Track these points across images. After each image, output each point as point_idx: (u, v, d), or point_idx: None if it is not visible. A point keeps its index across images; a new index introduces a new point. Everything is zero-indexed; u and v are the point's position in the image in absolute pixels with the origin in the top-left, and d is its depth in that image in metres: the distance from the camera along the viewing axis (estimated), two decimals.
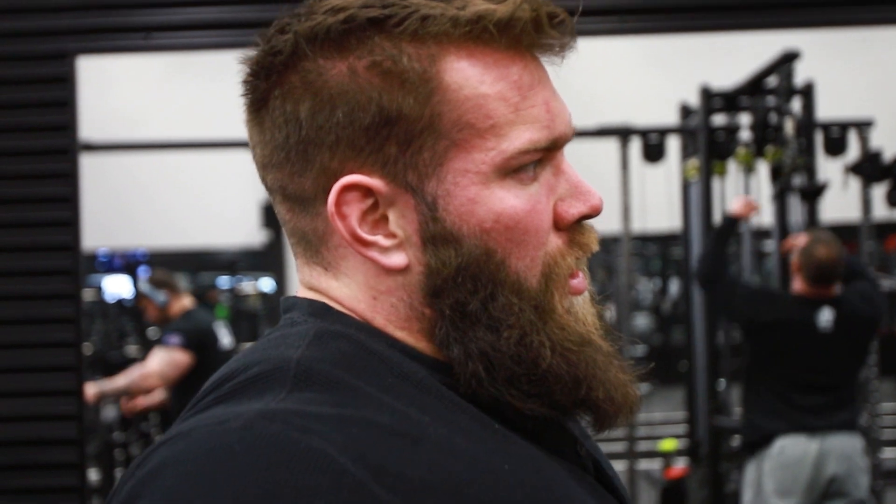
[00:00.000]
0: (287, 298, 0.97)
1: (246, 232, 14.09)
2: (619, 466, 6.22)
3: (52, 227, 3.23)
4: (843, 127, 5.80)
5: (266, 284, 15.90)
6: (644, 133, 6.02)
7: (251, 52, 0.91)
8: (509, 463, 0.83)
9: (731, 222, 4.86)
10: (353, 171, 0.87)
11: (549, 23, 0.87)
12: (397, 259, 0.88)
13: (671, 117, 6.49)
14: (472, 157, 0.86)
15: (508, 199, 0.86)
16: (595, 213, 0.91)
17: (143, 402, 5.63)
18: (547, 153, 0.89)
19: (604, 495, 0.94)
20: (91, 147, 4.83)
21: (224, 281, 16.04)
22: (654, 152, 5.98)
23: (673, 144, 6.30)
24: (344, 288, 0.91)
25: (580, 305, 0.92)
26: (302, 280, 0.95)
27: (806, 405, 4.47)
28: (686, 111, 6.34)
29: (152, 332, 13.78)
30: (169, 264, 16.57)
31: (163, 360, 5.48)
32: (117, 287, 16.13)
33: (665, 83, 7.41)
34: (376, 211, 0.88)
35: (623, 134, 5.99)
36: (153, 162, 13.41)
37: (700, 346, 5.88)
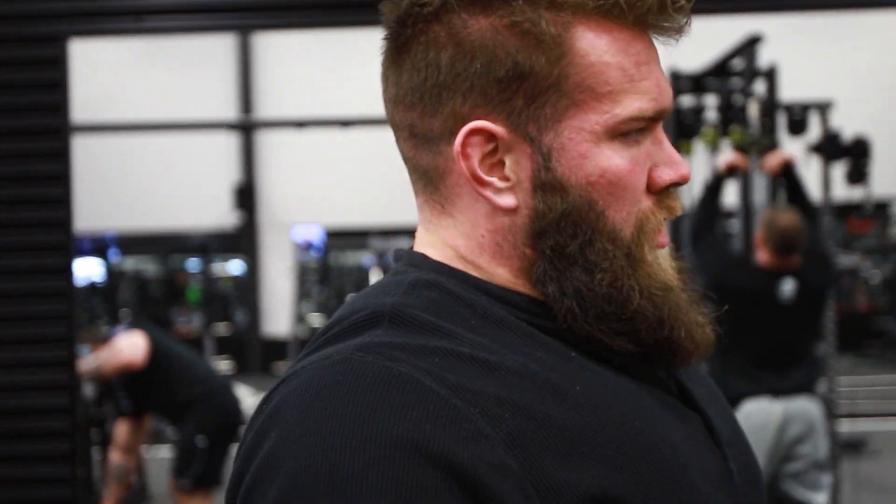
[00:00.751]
0: (398, 250, 1.08)
1: (217, 214, 14.14)
2: None
3: (46, 203, 3.33)
4: (805, 108, 5.96)
5: (237, 267, 15.93)
6: None
7: (397, 2, 1.00)
8: (581, 385, 0.93)
9: (717, 178, 5.11)
10: (480, 117, 0.96)
11: (672, 6, 0.96)
12: (508, 200, 0.98)
13: None
14: (588, 117, 0.95)
15: (614, 159, 0.96)
16: (683, 181, 1.01)
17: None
18: (651, 123, 0.98)
19: (685, 413, 1.03)
20: (79, 128, 4.92)
21: (195, 263, 16.05)
22: None
23: None
24: (458, 226, 1.02)
25: (663, 258, 1.01)
26: (421, 218, 1.06)
27: (769, 370, 4.70)
28: None
29: (124, 312, 13.85)
30: (139, 247, 16.59)
31: (126, 342, 5.61)
32: (87, 269, 16.11)
33: None
34: (495, 155, 0.97)
35: None
36: (122, 144, 13.42)
37: None
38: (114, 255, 16.55)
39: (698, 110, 5.99)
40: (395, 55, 1.00)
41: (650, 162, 0.99)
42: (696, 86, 5.96)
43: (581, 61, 0.95)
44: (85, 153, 11.75)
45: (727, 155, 5.20)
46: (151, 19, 3.27)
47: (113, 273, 15.79)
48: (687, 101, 6.05)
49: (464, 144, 0.97)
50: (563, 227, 0.96)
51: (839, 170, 5.80)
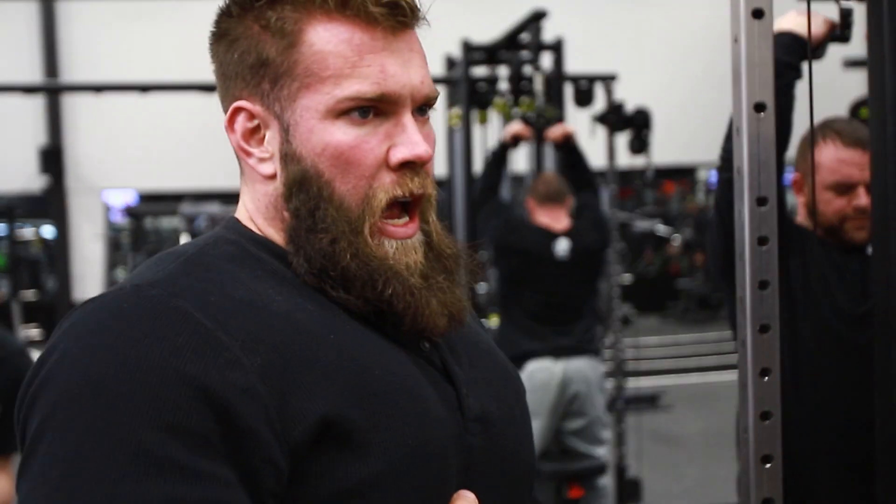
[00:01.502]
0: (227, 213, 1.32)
1: (24, 178, 13.75)
2: None
3: None
4: (591, 80, 6.22)
5: (47, 232, 15.51)
6: None
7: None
8: (335, 334, 1.08)
9: (501, 147, 5.39)
10: (245, 98, 1.15)
11: (376, 2, 1.11)
12: (266, 168, 1.16)
13: (437, 68, 6.84)
14: (314, 97, 1.11)
15: (337, 134, 1.11)
16: (417, 159, 1.14)
17: None
18: (384, 105, 1.12)
19: (440, 383, 1.16)
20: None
21: (0, 228, 15.58)
22: None
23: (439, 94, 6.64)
24: (248, 192, 1.21)
25: (394, 248, 1.15)
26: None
27: (549, 326, 4.99)
28: (450, 63, 6.69)
29: None
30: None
31: None
32: None
33: (431, 35, 7.72)
34: (259, 132, 1.16)
35: None
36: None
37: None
38: None
39: (491, 81, 6.20)
40: (211, 56, 1.21)
41: (388, 142, 1.14)
42: (488, 57, 6.17)
43: (307, 50, 1.11)
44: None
45: (513, 125, 5.44)
46: None
47: None
48: (480, 72, 6.27)
49: (230, 121, 1.17)
50: (297, 193, 1.13)
51: (623, 139, 6.10)
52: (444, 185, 7.04)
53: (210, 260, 1.12)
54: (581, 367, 4.98)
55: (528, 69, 5.87)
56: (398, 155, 1.13)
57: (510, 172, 6.67)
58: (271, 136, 1.15)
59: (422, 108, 1.18)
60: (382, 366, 1.09)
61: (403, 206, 1.17)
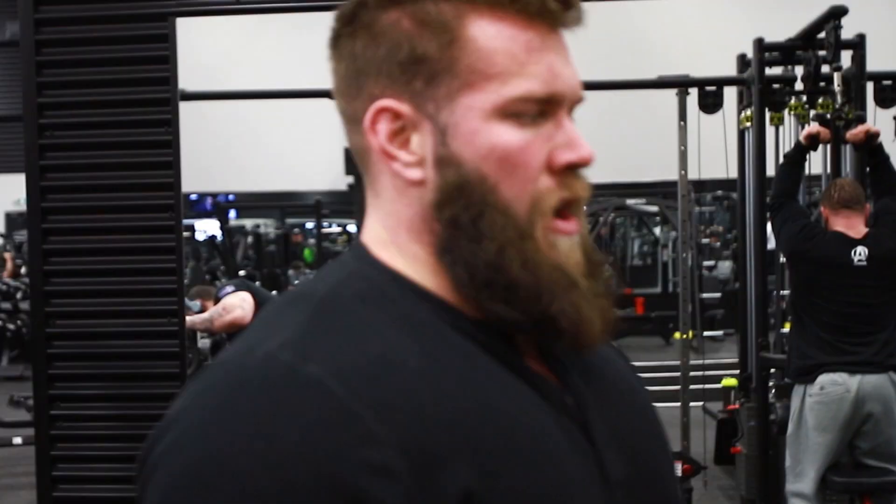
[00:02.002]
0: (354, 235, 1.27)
1: (331, 177, 14.47)
2: (675, 404, 6.60)
3: (156, 168, 3.64)
4: (895, 79, 5.97)
5: (353, 228, 16.22)
6: (701, 84, 6.30)
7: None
8: (476, 389, 0.98)
9: (798, 149, 5.19)
10: (389, 97, 1.05)
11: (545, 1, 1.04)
12: (413, 173, 1.05)
13: (730, 69, 6.73)
14: (478, 96, 1.03)
15: (504, 136, 1.02)
16: (582, 162, 1.06)
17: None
18: (548, 106, 1.04)
19: (578, 442, 1.05)
20: (187, 96, 5.23)
21: (310, 224, 16.40)
22: (710, 103, 6.25)
23: (731, 95, 6.55)
24: (383, 204, 1.09)
25: (565, 245, 1.05)
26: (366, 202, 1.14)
27: (844, 339, 4.77)
28: (743, 63, 6.55)
29: (241, 270, 14.31)
30: (256, 208, 17.06)
31: (237, 298, 5.98)
32: (207, 228, 16.66)
33: (723, 36, 7.62)
34: (404, 133, 1.05)
35: (681, 85, 6.29)
36: (242, 110, 13.84)
37: (752, 289, 6.15)
38: (233, 216, 17.11)
39: (786, 81, 6.05)
40: (331, 51, 1.11)
41: (550, 144, 1.05)
42: (783, 57, 6.01)
43: (470, 46, 1.03)
44: (205, 119, 12.21)
45: (811, 126, 5.27)
46: (250, 0, 3.56)
47: (232, 232, 16.34)
48: (775, 72, 6.13)
49: (372, 121, 1.05)
50: (457, 199, 1.03)
51: None
52: (736, 188, 6.93)
53: (343, 303, 1.02)
54: (879, 384, 4.75)
55: (825, 68, 5.69)
56: (565, 157, 1.05)
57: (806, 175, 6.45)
58: (420, 139, 1.05)
59: (572, 111, 1.10)
60: (528, 427, 1.00)
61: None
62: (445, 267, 1.05)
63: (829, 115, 5.31)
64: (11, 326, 13.99)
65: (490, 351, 1.03)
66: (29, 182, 3.68)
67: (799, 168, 5.24)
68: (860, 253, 4.78)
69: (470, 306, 1.05)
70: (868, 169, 5.19)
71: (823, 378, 4.76)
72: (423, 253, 1.07)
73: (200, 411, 0.93)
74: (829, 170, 5.87)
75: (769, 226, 5.44)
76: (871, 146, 5.04)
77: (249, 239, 16.25)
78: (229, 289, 6.12)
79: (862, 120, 5.34)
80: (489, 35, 1.04)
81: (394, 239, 1.08)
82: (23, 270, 15.31)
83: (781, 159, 5.48)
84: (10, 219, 19.67)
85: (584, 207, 1.11)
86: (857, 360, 4.75)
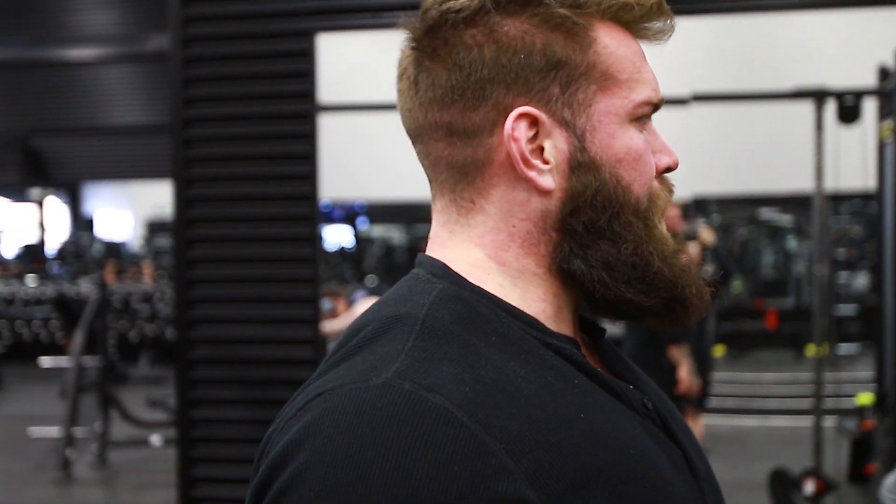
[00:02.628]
0: (420, 255, 1.14)
1: None
2: (808, 422, 6.47)
3: (296, 179, 3.73)
4: None
5: None
6: (839, 95, 6.19)
7: (427, 12, 1.08)
8: (585, 412, 0.97)
9: None
10: (522, 105, 1.04)
11: (662, 10, 1.09)
12: (548, 182, 1.04)
13: (869, 79, 6.59)
14: (613, 101, 1.05)
15: (635, 138, 1.06)
16: (675, 166, 1.11)
17: None
18: (652, 111, 1.09)
19: (667, 445, 1.07)
20: (324, 109, 5.35)
21: None
22: (849, 114, 6.13)
23: (869, 106, 6.42)
24: (489, 220, 1.07)
25: (671, 235, 1.11)
26: (443, 221, 1.11)
27: None
28: (884, 73, 6.42)
29: (370, 277, 14.46)
30: (385, 216, 17.24)
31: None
32: (338, 236, 16.91)
33: (863, 46, 7.46)
34: (535, 141, 1.04)
35: (818, 96, 6.18)
36: (373, 122, 14.04)
37: (890, 302, 6.02)
38: (363, 224, 17.35)
39: None
40: (430, 60, 1.06)
41: (650, 147, 1.09)
42: None
43: (604, 51, 1.05)
44: (340, 130, 12.42)
45: None
46: (388, 15, 3.62)
47: (361, 240, 16.57)
48: None
49: (512, 129, 1.03)
50: (595, 203, 1.04)
51: None
52: (874, 199, 6.78)
53: (444, 327, 0.99)
54: None
55: None
56: (665, 161, 1.11)
57: None
58: (553, 146, 1.05)
59: None
60: (633, 442, 1.00)
61: None
62: (575, 273, 1.06)
63: None
64: (150, 330, 14.42)
65: (575, 363, 1.04)
66: (175, 193, 3.81)
67: None
68: None
69: (549, 320, 1.07)
70: None
71: None
72: (533, 265, 1.08)
73: (323, 445, 0.89)
74: None
75: None
76: None
77: (377, 247, 16.48)
78: (362, 294, 6.23)
79: None
80: (616, 41, 1.06)
81: (498, 256, 1.07)
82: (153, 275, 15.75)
83: None
84: (150, 224, 20.27)
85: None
86: None
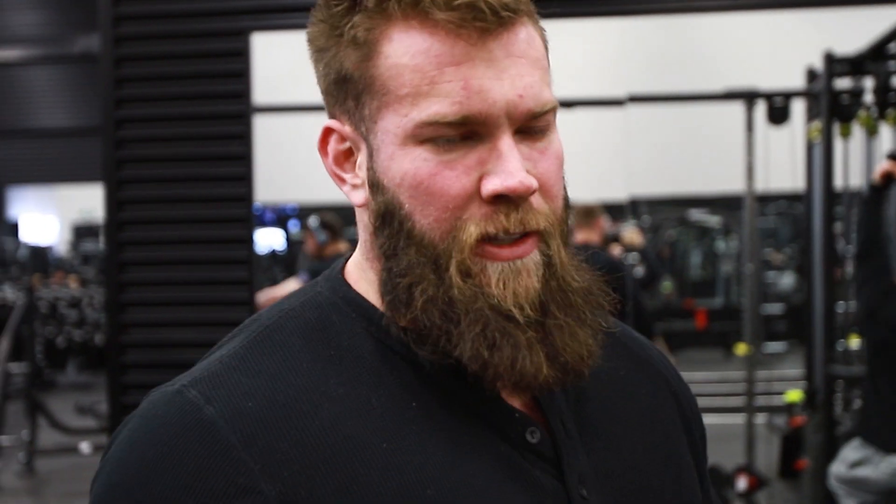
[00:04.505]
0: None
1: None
2: (739, 419, 6.56)
3: (230, 181, 3.68)
4: None
5: None
6: (769, 96, 6.27)
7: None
8: (392, 440, 0.91)
9: (873, 190, 4.82)
10: (336, 117, 1.00)
11: (446, 5, 0.91)
12: (358, 197, 1.00)
13: (798, 81, 6.70)
14: (393, 119, 0.93)
15: (417, 162, 0.92)
16: (511, 192, 0.92)
17: None
18: (477, 127, 0.92)
19: (537, 485, 0.96)
20: (260, 109, 5.29)
21: None
22: (778, 115, 6.22)
23: (798, 108, 6.52)
24: (358, 223, 1.04)
25: (499, 272, 0.94)
26: None
27: None
28: (812, 75, 6.50)
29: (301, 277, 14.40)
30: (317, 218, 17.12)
31: (290, 289, 5.94)
32: (269, 239, 16.78)
33: (792, 48, 7.58)
34: (352, 155, 1.00)
35: (749, 97, 6.26)
36: (303, 124, 13.97)
37: (818, 301, 6.11)
38: (294, 227, 17.23)
39: (855, 93, 6.00)
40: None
41: (480, 169, 0.93)
42: (852, 69, 5.97)
43: (384, 63, 0.93)
44: (269, 131, 12.31)
45: (883, 164, 5.05)
46: None
47: (293, 243, 16.46)
48: (845, 84, 6.08)
49: (323, 142, 1.01)
50: (382, 226, 0.97)
51: None
52: (803, 200, 6.89)
53: (281, 337, 0.98)
54: None
55: (894, 80, 5.65)
56: (489, 187, 0.92)
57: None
58: (361, 161, 0.98)
59: (532, 126, 0.95)
60: (442, 481, 0.91)
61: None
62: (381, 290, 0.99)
63: None
64: (78, 335, 14.22)
65: (435, 384, 0.95)
66: (106, 195, 3.75)
67: (877, 209, 4.83)
68: None
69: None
70: None
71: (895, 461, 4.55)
72: (375, 278, 1.01)
73: (119, 443, 0.95)
74: None
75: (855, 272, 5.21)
76: None
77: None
78: (303, 277, 6.19)
79: None
80: (401, 50, 0.93)
81: (364, 258, 1.04)
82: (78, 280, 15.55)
83: (863, 190, 5.25)
84: (76, 229, 19.99)
85: (565, 227, 0.99)
86: None
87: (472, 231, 0.93)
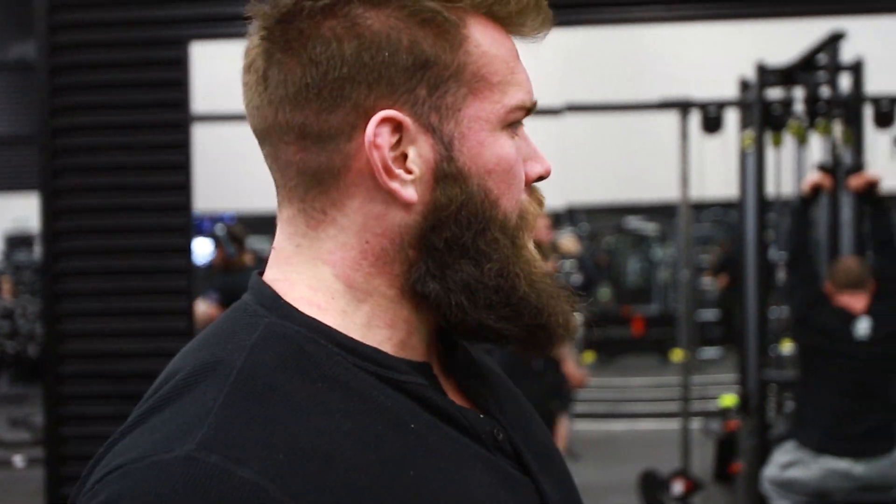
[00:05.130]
0: (253, 276, 1.02)
1: None
2: (675, 424, 6.65)
3: (169, 190, 3.69)
4: (892, 101, 6.05)
5: None
6: (703, 106, 6.39)
7: (275, 3, 0.95)
8: (415, 468, 0.88)
9: (802, 201, 5.09)
10: (385, 108, 0.92)
11: (535, 5, 0.99)
12: (411, 193, 0.93)
13: (731, 91, 6.82)
14: (484, 106, 0.94)
15: (507, 147, 0.96)
16: (547, 174, 1.01)
17: None
18: (524, 115, 0.99)
19: (515, 480, 0.99)
20: (199, 118, 5.29)
21: None
22: (712, 124, 6.34)
23: (732, 117, 6.64)
24: (341, 233, 0.96)
25: (539, 254, 1.02)
26: (289, 233, 0.99)
27: (852, 420, 4.72)
28: (745, 85, 6.63)
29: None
30: (255, 227, 17.06)
31: (201, 311, 5.67)
32: (205, 249, 16.65)
33: (726, 58, 7.70)
34: (398, 147, 0.93)
35: (683, 107, 6.37)
36: (242, 132, 13.94)
37: (752, 307, 6.21)
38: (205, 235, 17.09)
39: (786, 103, 6.13)
40: (282, 52, 0.93)
41: (521, 155, 1.00)
42: (783, 79, 6.10)
43: (476, 51, 0.95)
44: (208, 140, 12.25)
45: (812, 175, 5.20)
46: None
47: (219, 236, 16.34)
48: (775, 94, 6.21)
49: (374, 134, 0.92)
50: (460, 219, 0.95)
51: None
52: (737, 208, 7.00)
53: (264, 377, 0.88)
54: (884, 471, 4.75)
55: (824, 90, 5.78)
56: (537, 169, 1.00)
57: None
58: (417, 154, 0.94)
59: None
60: (468, 495, 0.91)
61: None
62: (430, 295, 0.96)
63: (828, 163, 5.35)
64: (11, 347, 14.01)
65: (418, 398, 0.94)
66: (42, 204, 3.72)
67: (806, 219, 5.15)
68: (863, 326, 4.76)
69: (396, 347, 0.97)
70: (868, 217, 5.14)
71: (828, 463, 4.76)
72: (385, 286, 0.97)
73: None
74: (828, 217, 5.91)
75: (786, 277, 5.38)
76: (871, 196, 4.97)
77: (252, 258, 16.31)
78: (213, 297, 5.92)
79: (860, 167, 5.32)
80: (489, 39, 0.96)
81: (347, 275, 0.96)
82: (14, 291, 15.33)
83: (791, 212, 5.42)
84: (9, 238, 19.70)
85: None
86: (863, 445, 4.73)
87: (533, 211, 1.01)
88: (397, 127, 0.92)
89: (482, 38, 0.95)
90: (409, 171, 0.93)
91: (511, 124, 0.97)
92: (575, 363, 5.93)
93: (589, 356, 13.43)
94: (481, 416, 1.00)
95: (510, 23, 0.98)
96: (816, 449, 4.77)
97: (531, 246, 1.00)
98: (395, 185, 0.92)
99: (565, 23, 3.65)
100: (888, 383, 4.89)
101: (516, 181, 0.97)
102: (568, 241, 9.45)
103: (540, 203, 1.02)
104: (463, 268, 0.95)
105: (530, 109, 0.99)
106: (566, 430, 7.65)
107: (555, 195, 11.29)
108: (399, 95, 0.92)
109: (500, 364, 1.25)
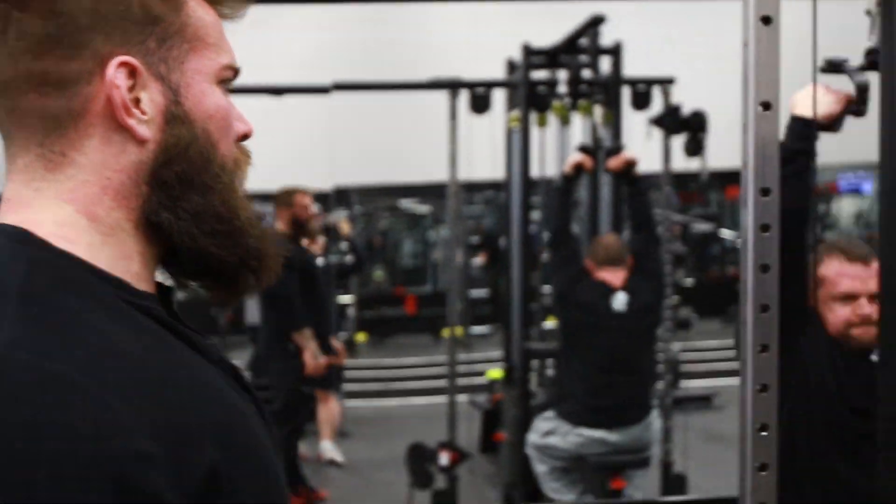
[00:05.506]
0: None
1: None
2: (445, 399, 6.80)
3: None
4: (649, 84, 6.36)
5: None
6: (472, 86, 6.53)
7: None
8: (186, 370, 1.00)
9: (565, 180, 5.33)
10: (121, 55, 1.02)
11: None
12: (145, 131, 1.04)
13: (498, 72, 6.96)
14: (203, 62, 1.09)
15: (222, 99, 1.11)
16: (250, 134, 1.17)
17: None
18: (232, 76, 1.14)
19: (243, 394, 1.10)
20: None
21: None
22: (480, 104, 6.47)
23: (500, 97, 6.80)
24: (81, 172, 1.03)
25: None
26: (24, 180, 1.05)
27: (610, 390, 5.01)
28: (512, 66, 6.79)
29: None
30: None
31: None
32: None
33: (495, 39, 7.85)
34: (132, 91, 1.03)
35: (452, 87, 6.48)
36: None
37: (516, 285, 6.38)
38: None
39: (550, 84, 6.33)
40: (20, 10, 1.00)
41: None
42: (548, 61, 6.29)
43: (194, 14, 1.10)
44: None
45: (573, 156, 5.42)
46: None
47: None
48: (540, 75, 6.40)
49: (114, 76, 1.02)
50: (188, 156, 1.06)
51: (678, 142, 6.18)
52: (502, 187, 7.17)
53: (45, 295, 0.95)
54: (637, 438, 5.06)
55: (586, 73, 5.99)
56: (242, 128, 1.15)
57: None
58: (149, 99, 1.05)
59: None
60: (229, 396, 1.04)
61: None
62: (163, 224, 1.05)
63: (590, 144, 5.57)
64: None
65: (161, 322, 1.03)
66: None
67: (569, 199, 5.37)
68: (620, 301, 5.01)
69: (135, 278, 1.05)
70: (626, 197, 5.42)
71: (584, 432, 5.02)
72: (124, 219, 1.05)
73: None
74: (589, 196, 6.15)
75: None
76: (629, 176, 5.20)
77: None
78: None
79: (619, 149, 5.52)
80: (202, 9, 1.12)
81: (89, 210, 1.04)
82: None
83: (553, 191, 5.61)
84: None
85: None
86: (620, 413, 5.02)
87: (244, 163, 1.15)
88: (132, 72, 1.03)
89: (197, 6, 1.10)
90: (143, 112, 1.04)
91: (223, 81, 1.12)
92: (313, 352, 6.01)
93: (362, 336, 13.54)
94: (207, 342, 1.11)
95: (215, 2, 1.14)
96: (575, 422, 5.02)
97: (243, 193, 1.13)
98: (132, 122, 1.03)
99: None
100: (643, 354, 5.22)
101: (231, 129, 1.12)
102: (341, 222, 9.48)
103: (248, 158, 1.16)
104: (192, 198, 1.06)
105: (237, 73, 1.14)
106: (336, 409, 7.71)
107: (323, 176, 11.30)
108: (133, 46, 1.04)
109: (258, 347, 1.32)
